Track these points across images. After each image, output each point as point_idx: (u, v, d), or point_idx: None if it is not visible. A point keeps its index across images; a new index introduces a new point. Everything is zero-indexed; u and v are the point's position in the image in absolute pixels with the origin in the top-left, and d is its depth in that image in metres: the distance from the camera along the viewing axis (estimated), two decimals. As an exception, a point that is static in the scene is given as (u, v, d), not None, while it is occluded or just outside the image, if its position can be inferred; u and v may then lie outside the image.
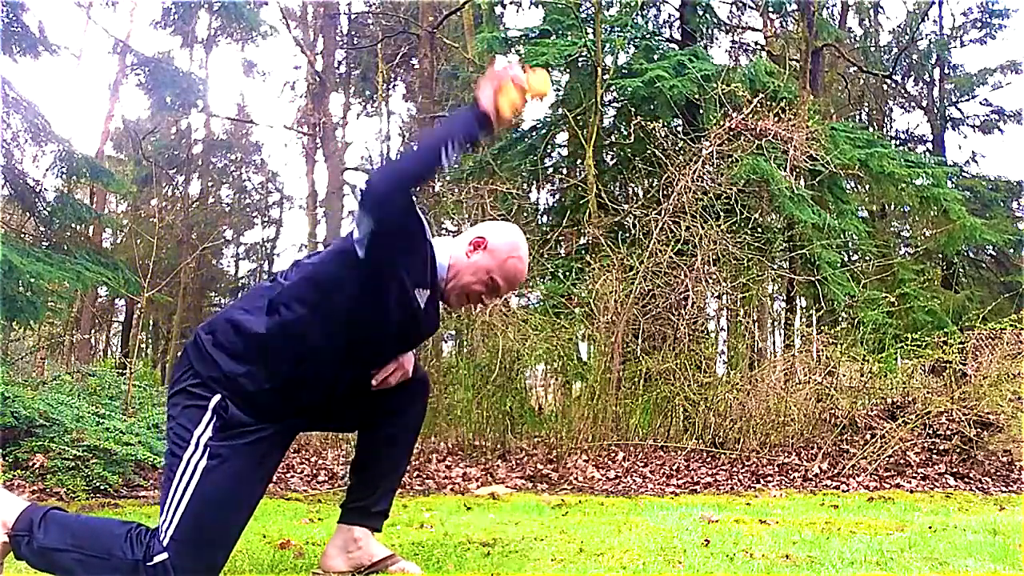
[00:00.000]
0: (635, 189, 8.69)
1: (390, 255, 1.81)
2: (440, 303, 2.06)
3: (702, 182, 6.51)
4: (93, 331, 17.43)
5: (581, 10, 8.60)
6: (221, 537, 1.78)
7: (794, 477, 4.97)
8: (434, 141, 1.80)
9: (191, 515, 1.71)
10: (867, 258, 8.51)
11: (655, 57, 8.33)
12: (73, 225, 6.36)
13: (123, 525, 1.79)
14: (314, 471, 5.26)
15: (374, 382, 2.00)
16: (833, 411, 5.64)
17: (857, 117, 15.48)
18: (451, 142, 1.77)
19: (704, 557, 2.23)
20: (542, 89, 1.86)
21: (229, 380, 1.78)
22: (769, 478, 4.98)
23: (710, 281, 6.54)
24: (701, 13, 9.28)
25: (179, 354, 1.90)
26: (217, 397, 1.78)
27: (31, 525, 1.77)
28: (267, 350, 1.82)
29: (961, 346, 5.66)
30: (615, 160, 9.12)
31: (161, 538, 1.71)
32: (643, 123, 7.02)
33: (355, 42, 17.77)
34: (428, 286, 1.93)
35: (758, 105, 6.81)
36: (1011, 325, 5.59)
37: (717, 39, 11.51)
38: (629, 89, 7.77)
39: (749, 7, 12.22)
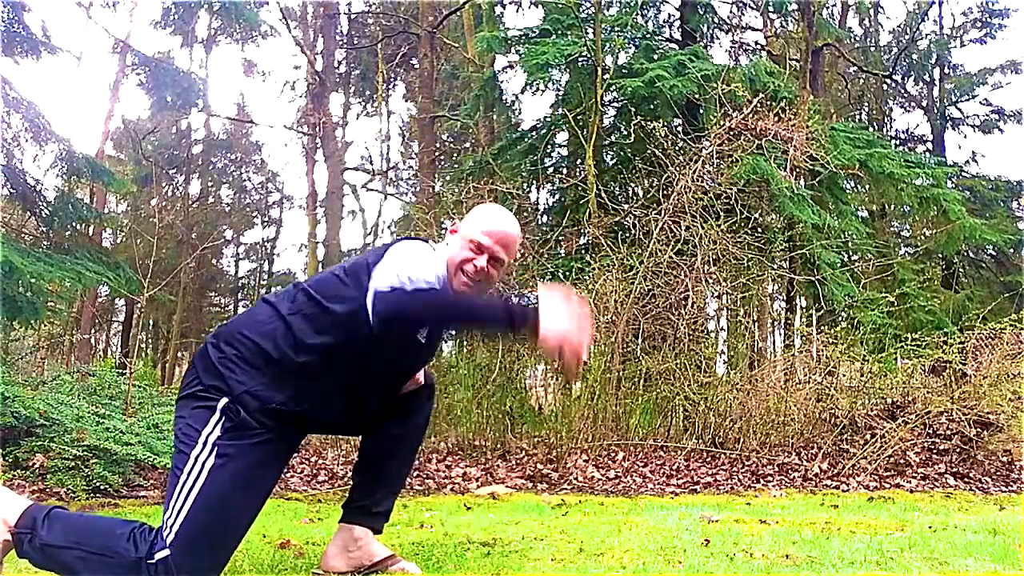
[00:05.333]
0: (635, 189, 8.67)
1: (401, 338, 1.91)
2: None
3: (702, 182, 6.51)
4: (93, 331, 17.43)
5: (581, 10, 8.59)
6: (225, 536, 1.79)
7: (794, 477, 4.97)
8: (471, 313, 1.84)
9: (196, 513, 1.71)
10: (867, 258, 8.51)
11: (655, 57, 8.32)
12: (73, 225, 6.35)
13: (126, 523, 1.80)
14: (314, 471, 5.25)
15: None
16: (833, 411, 5.64)
17: (857, 117, 15.49)
18: (486, 326, 1.88)
19: (704, 557, 2.23)
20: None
21: (234, 396, 1.81)
22: (769, 478, 4.98)
23: (710, 281, 6.54)
24: (701, 13, 9.27)
25: (189, 363, 1.93)
26: (225, 399, 1.80)
27: (34, 523, 1.77)
28: (275, 380, 1.84)
29: (961, 346, 5.66)
30: (615, 160, 9.11)
31: (165, 535, 1.71)
32: (643, 123, 7.01)
33: (355, 42, 17.78)
34: None
35: (758, 105, 6.81)
36: (1011, 325, 5.59)
37: (717, 39, 11.49)
38: (629, 89, 7.76)
39: (749, 7, 12.22)
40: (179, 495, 1.73)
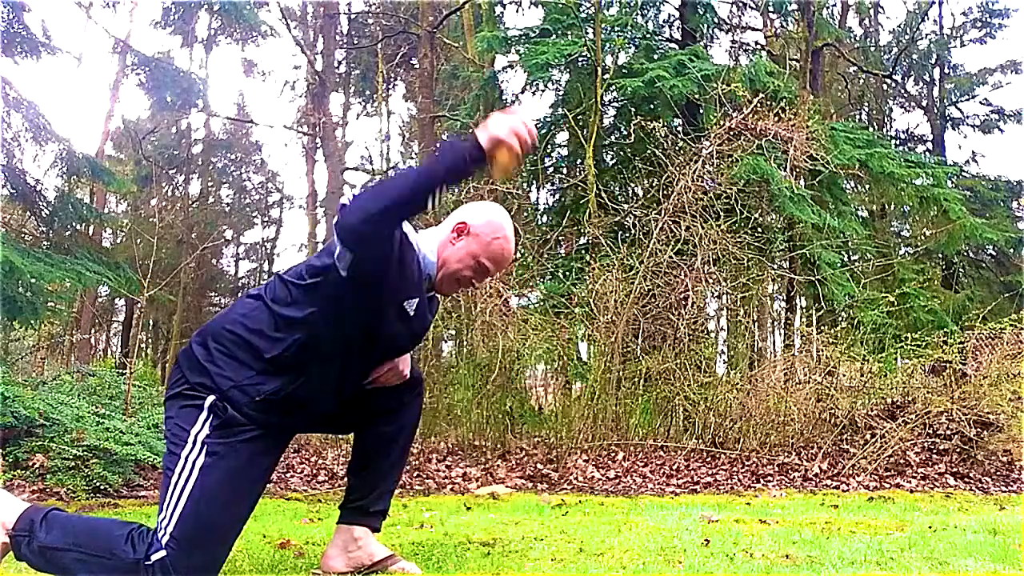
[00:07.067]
0: (635, 189, 8.68)
1: (374, 277, 1.82)
2: (433, 297, 2.08)
3: (702, 182, 6.51)
4: (93, 331, 17.41)
5: (581, 10, 8.59)
6: (220, 535, 1.78)
7: (794, 477, 4.97)
8: (423, 180, 1.74)
9: (190, 513, 1.71)
10: (867, 258, 8.51)
11: (655, 57, 8.33)
12: (73, 225, 6.35)
13: (124, 525, 1.80)
14: (314, 471, 5.26)
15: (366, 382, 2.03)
16: (833, 411, 5.64)
17: (857, 117, 15.46)
18: (442, 184, 1.73)
19: (704, 557, 2.23)
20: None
21: (221, 392, 1.79)
22: (769, 478, 4.98)
23: (710, 281, 6.53)
24: (701, 13, 9.27)
25: (175, 362, 1.92)
26: (212, 397, 1.79)
27: (32, 525, 1.77)
28: (264, 370, 1.82)
29: (961, 346, 5.66)
30: (615, 160, 9.11)
31: (160, 536, 1.71)
32: (643, 123, 7.01)
33: (355, 42, 17.78)
34: (418, 292, 1.93)
35: (758, 105, 6.80)
36: (1011, 325, 5.59)
37: (717, 39, 11.48)
38: (629, 89, 7.76)
39: (749, 7, 12.22)
40: (172, 496, 1.73)
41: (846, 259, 8.35)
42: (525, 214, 8.75)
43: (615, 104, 8.90)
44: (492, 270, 2.00)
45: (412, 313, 1.92)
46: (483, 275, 2.00)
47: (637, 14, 9.28)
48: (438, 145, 1.84)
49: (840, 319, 7.72)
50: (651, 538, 2.54)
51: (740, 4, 11.85)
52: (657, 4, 9.60)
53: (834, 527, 2.83)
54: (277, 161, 33.51)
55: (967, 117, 14.03)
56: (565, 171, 9.54)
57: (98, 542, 1.74)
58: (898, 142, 14.80)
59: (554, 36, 8.62)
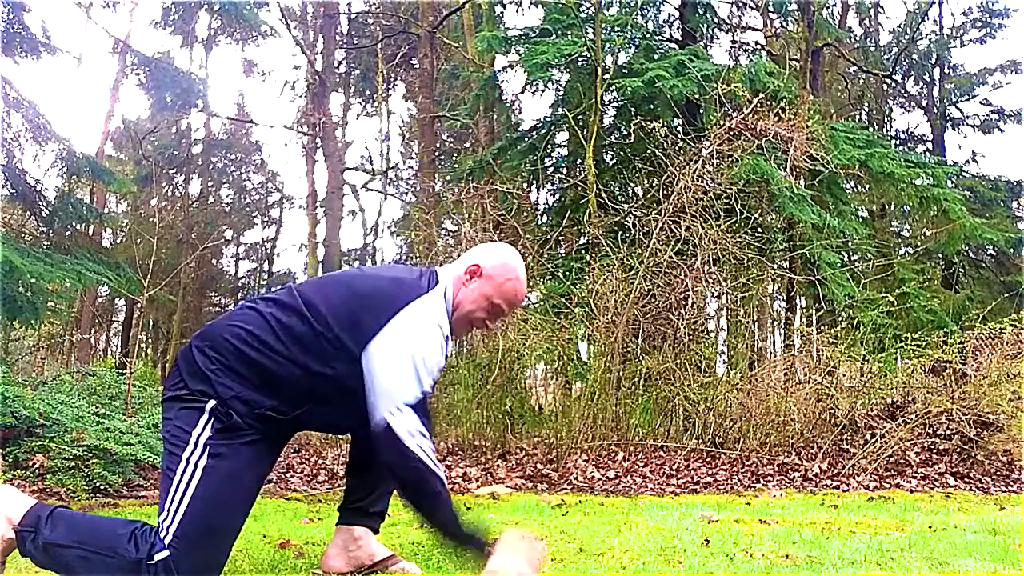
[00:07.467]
0: (635, 189, 8.67)
1: None
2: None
3: (702, 182, 6.51)
4: (93, 331, 17.40)
5: (581, 10, 8.58)
6: (222, 534, 1.79)
7: (794, 477, 4.97)
8: (442, 510, 1.89)
9: (192, 513, 1.71)
10: (867, 258, 8.50)
11: (655, 57, 8.32)
12: (74, 225, 6.35)
13: (128, 524, 1.80)
14: (314, 471, 5.26)
15: None
16: (833, 411, 5.64)
17: (857, 117, 15.45)
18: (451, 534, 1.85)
19: (704, 557, 2.23)
20: None
21: (224, 401, 1.79)
22: (769, 478, 4.98)
23: (710, 281, 6.54)
24: (701, 13, 9.26)
25: (174, 362, 1.91)
26: (213, 402, 1.79)
27: (38, 522, 1.78)
28: (265, 385, 1.82)
29: (961, 346, 5.66)
30: (615, 160, 9.11)
31: (163, 536, 1.71)
32: (643, 123, 7.01)
33: (355, 42, 17.78)
34: None
35: (758, 105, 6.80)
36: (1011, 325, 5.59)
37: (717, 39, 11.47)
38: (629, 89, 7.75)
39: (749, 7, 12.22)
40: (174, 496, 1.73)
41: (846, 259, 8.34)
42: (525, 214, 8.75)
43: (615, 104, 8.89)
44: (506, 311, 2.03)
45: None
46: (496, 316, 2.03)
47: (637, 14, 9.27)
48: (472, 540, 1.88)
49: (840, 319, 7.72)
50: (651, 538, 2.54)
51: (740, 4, 11.85)
52: (657, 4, 9.59)
53: (834, 527, 2.84)
54: (277, 161, 33.53)
55: (967, 117, 14.03)
56: (565, 171, 9.54)
57: (101, 540, 1.74)
58: (898, 142, 14.80)
59: (554, 36, 8.61)
